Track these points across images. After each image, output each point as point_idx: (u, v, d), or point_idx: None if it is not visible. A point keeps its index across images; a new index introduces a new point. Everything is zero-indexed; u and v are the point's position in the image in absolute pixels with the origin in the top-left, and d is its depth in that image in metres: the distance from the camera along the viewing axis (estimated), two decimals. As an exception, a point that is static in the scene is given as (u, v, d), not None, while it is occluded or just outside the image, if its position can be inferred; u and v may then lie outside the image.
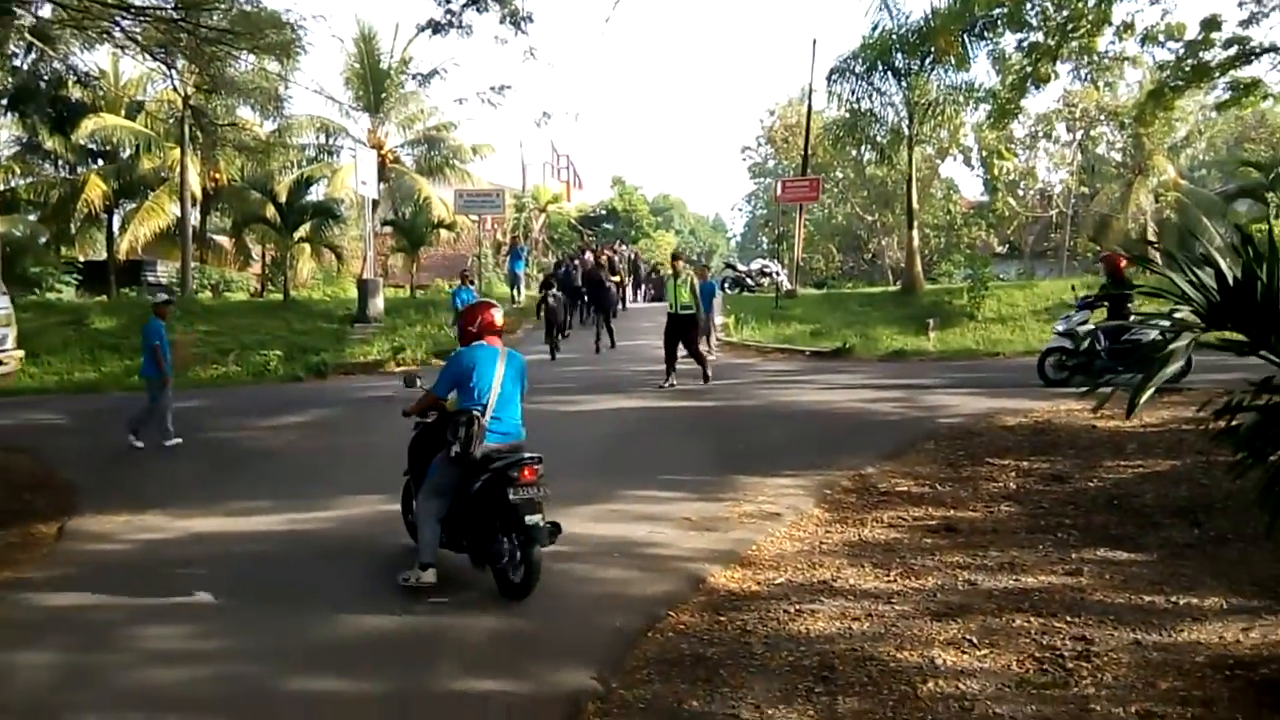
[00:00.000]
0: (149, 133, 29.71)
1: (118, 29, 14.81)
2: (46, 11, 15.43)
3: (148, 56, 16.55)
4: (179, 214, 28.85)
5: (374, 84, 32.78)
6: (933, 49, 22.57)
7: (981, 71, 47.15)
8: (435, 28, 12.61)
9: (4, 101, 25.41)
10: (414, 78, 30.06)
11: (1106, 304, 12.81)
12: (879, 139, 27.07)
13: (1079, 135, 39.02)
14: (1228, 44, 15.32)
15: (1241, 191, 31.54)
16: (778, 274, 30.19)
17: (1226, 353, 4.47)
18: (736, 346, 20.60)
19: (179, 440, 10.85)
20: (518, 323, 24.83)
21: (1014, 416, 10.52)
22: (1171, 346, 4.19)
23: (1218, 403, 4.36)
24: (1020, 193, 42.21)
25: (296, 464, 10.21)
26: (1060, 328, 13.08)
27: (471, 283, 20.29)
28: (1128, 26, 15.98)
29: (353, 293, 26.01)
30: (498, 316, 6.25)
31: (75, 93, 26.96)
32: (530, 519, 5.62)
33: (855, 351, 18.80)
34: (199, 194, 30.38)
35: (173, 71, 18.07)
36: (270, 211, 27.73)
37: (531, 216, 41.65)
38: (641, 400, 13.22)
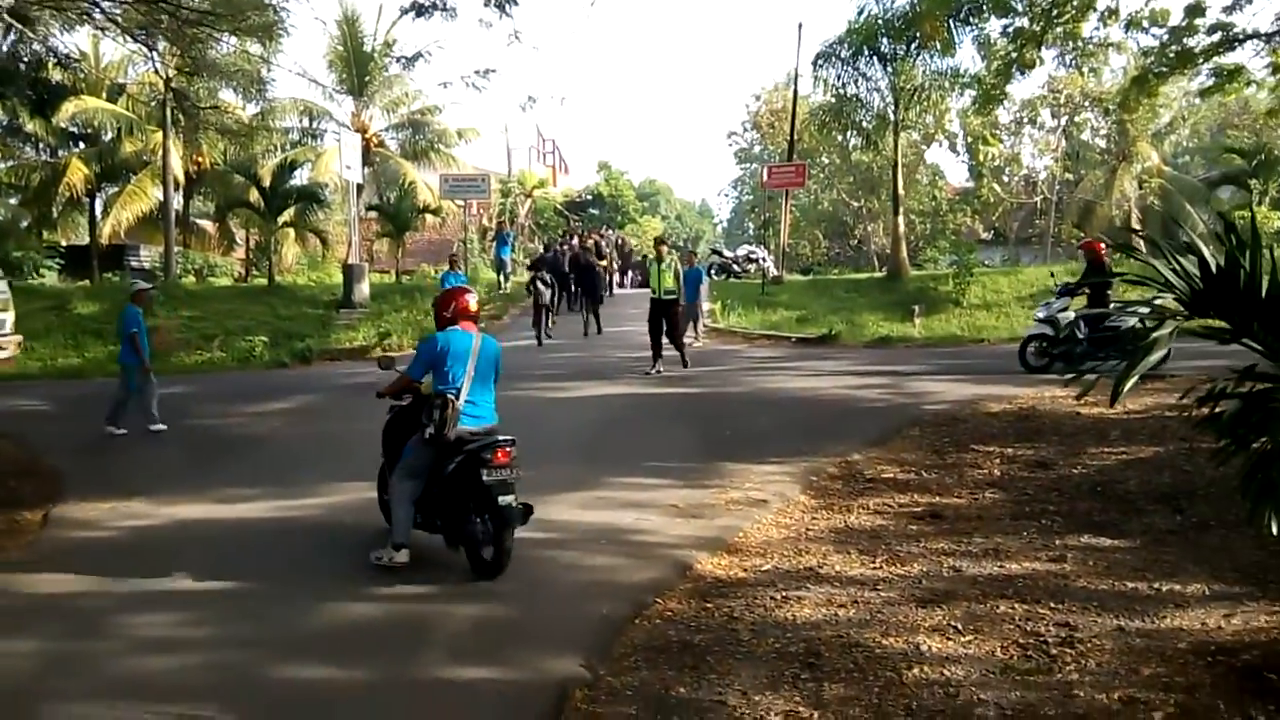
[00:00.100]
0: (131, 116, 29.41)
1: (98, 10, 14.64)
2: (26, -8, 15.24)
3: (128, 38, 16.37)
4: (161, 198, 28.60)
5: (358, 67, 32.50)
6: (918, 34, 22.55)
7: (967, 57, 47.29)
8: (419, 10, 12.51)
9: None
10: (398, 61, 29.98)
11: (1087, 291, 12.87)
12: (865, 124, 27.05)
13: (1063, 121, 39.15)
14: (1211, 30, 15.38)
15: (1224, 178, 31.72)
16: (764, 260, 30.20)
17: (1209, 340, 4.50)
18: (723, 333, 20.62)
19: (163, 427, 10.80)
20: (504, 308, 24.78)
21: (999, 403, 10.58)
22: (1155, 335, 4.21)
23: (1200, 390, 4.39)
24: (1005, 179, 42.33)
25: (282, 451, 10.18)
26: (1041, 314, 13.16)
27: (459, 268, 20.20)
28: (1112, 12, 16.03)
29: (338, 278, 25.89)
30: (472, 302, 6.28)
31: (55, 75, 26.70)
32: (503, 500, 5.72)
33: (841, 338, 18.85)
34: (182, 178, 30.11)
35: (154, 54, 17.86)
36: (254, 196, 27.53)
37: (517, 201, 41.49)
38: (628, 387, 13.23)
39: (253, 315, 21.83)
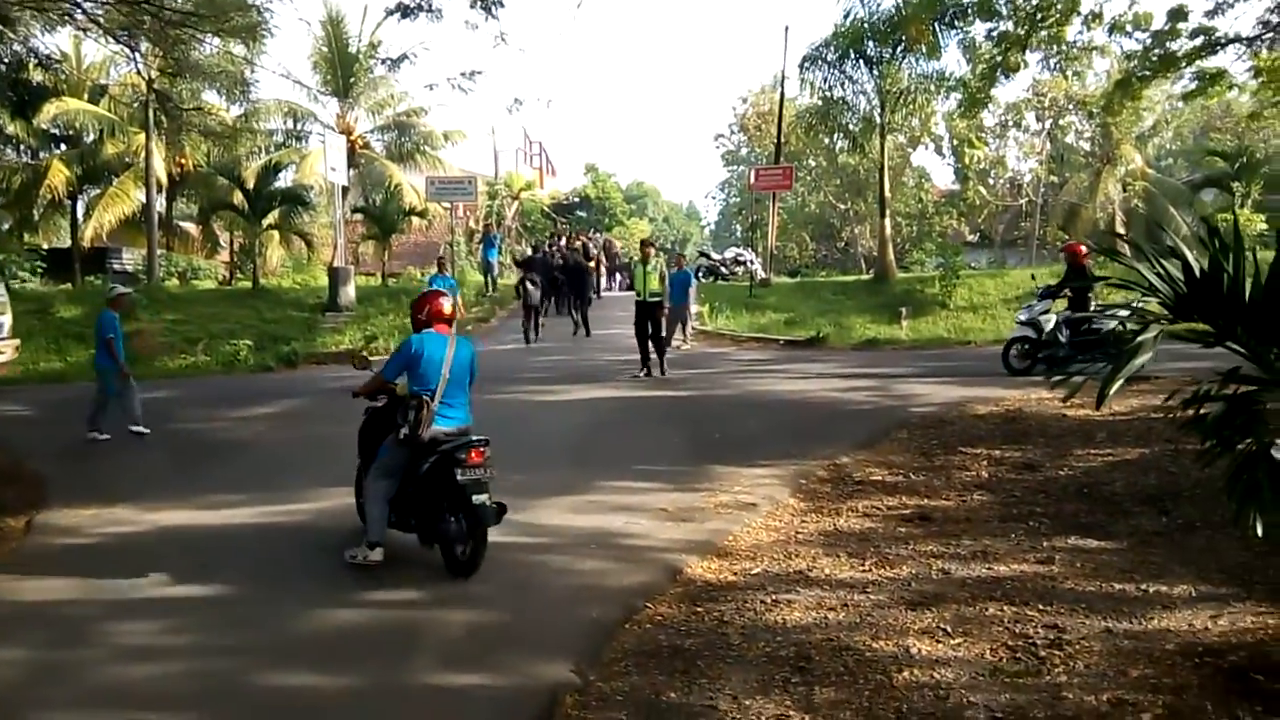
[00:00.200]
0: (113, 117, 29.21)
1: (79, 11, 14.57)
2: (6, -8, 15.12)
3: (111, 39, 16.30)
4: (144, 200, 28.41)
5: (342, 68, 32.36)
6: (904, 37, 22.70)
7: (952, 60, 47.55)
8: (404, 11, 12.49)
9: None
10: (383, 62, 29.69)
11: (1068, 294, 12.95)
12: (851, 127, 27.17)
13: (1048, 124, 39.36)
14: (1194, 34, 15.51)
15: (1207, 181, 31.94)
16: (752, 262, 30.24)
17: (1193, 342, 4.53)
18: (711, 335, 20.64)
19: (146, 430, 10.73)
20: (491, 311, 24.74)
21: (985, 405, 10.62)
22: (1140, 338, 4.22)
23: (1186, 392, 4.41)
24: (991, 181, 42.51)
25: (268, 455, 10.11)
26: (1023, 317, 13.22)
27: (446, 271, 20.15)
28: (1096, 16, 16.15)
29: (323, 281, 25.79)
30: (446, 305, 6.37)
31: (37, 76, 26.48)
32: (477, 499, 5.79)
33: (829, 340, 18.88)
34: (164, 180, 29.92)
35: (136, 55, 17.78)
36: (238, 198, 27.39)
37: (504, 204, 41.39)
38: (617, 390, 13.22)
39: (237, 319, 21.71)
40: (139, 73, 21.26)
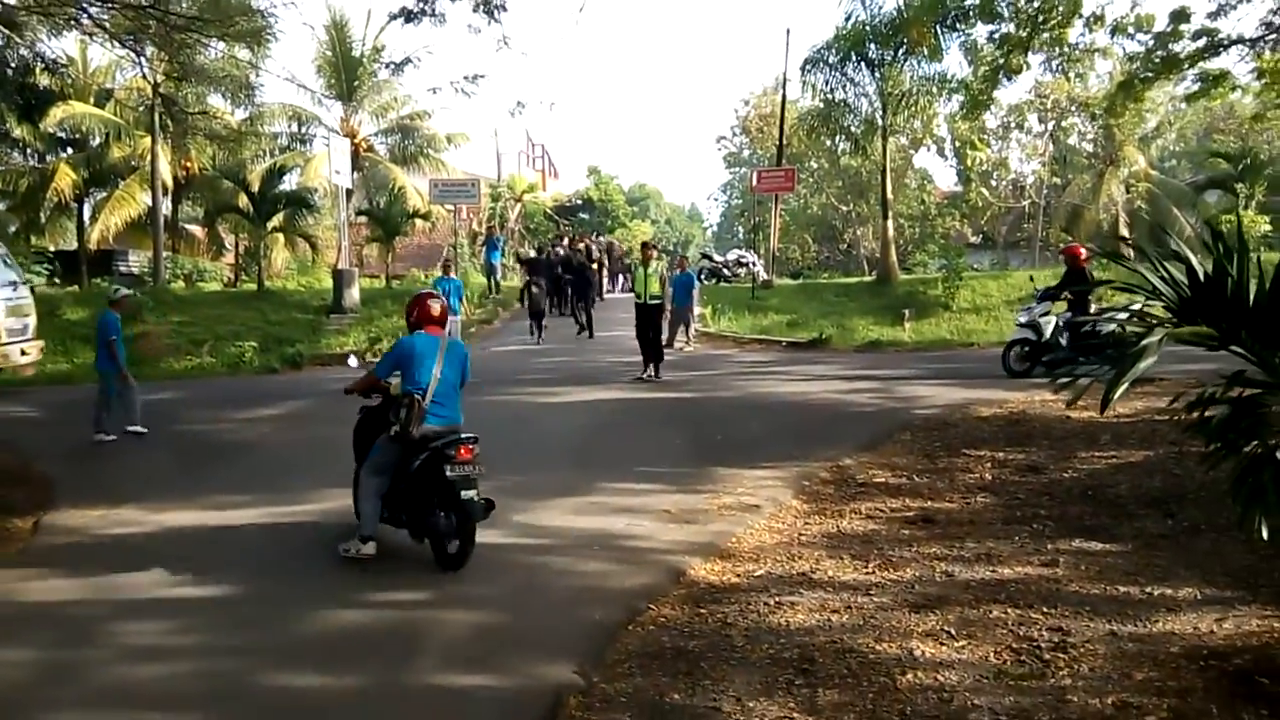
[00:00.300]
0: (119, 121, 29.26)
1: (85, 15, 14.56)
2: (12, -4, 15.18)
3: (116, 44, 16.29)
4: (150, 203, 28.48)
5: (346, 72, 32.39)
6: (906, 40, 22.72)
7: (954, 63, 47.53)
8: (407, 16, 12.47)
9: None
10: (387, 66, 29.79)
11: (1068, 296, 12.94)
12: (853, 129, 27.18)
13: (1050, 126, 39.28)
14: (1196, 36, 15.51)
15: (1211, 182, 31.90)
16: (754, 264, 30.26)
17: (1196, 345, 4.53)
18: (713, 337, 20.64)
19: (144, 429, 10.78)
20: (494, 313, 24.77)
21: (989, 407, 10.61)
22: (1144, 342, 4.22)
23: (1190, 395, 4.42)
24: (993, 183, 42.45)
25: (272, 456, 10.14)
26: (1022, 319, 13.21)
27: (452, 273, 20.17)
28: (1098, 18, 16.14)
29: (328, 283, 25.82)
30: (435, 308, 6.55)
31: (43, 80, 26.51)
32: (466, 494, 5.96)
33: (831, 342, 18.88)
34: (170, 183, 29.95)
35: (142, 59, 17.77)
36: (243, 201, 27.41)
37: (507, 206, 41.43)
38: (619, 391, 13.23)
39: (242, 320, 21.75)
40: (145, 77, 21.31)
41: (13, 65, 21.96)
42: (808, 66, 26.08)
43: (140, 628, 5.39)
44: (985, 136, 39.63)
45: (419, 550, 6.24)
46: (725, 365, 16.22)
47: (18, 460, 9.88)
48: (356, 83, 32.68)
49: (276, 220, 28.73)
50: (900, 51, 24.18)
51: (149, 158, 27.49)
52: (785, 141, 31.73)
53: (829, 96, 26.35)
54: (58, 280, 27.38)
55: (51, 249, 31.35)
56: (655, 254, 15.28)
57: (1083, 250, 13.65)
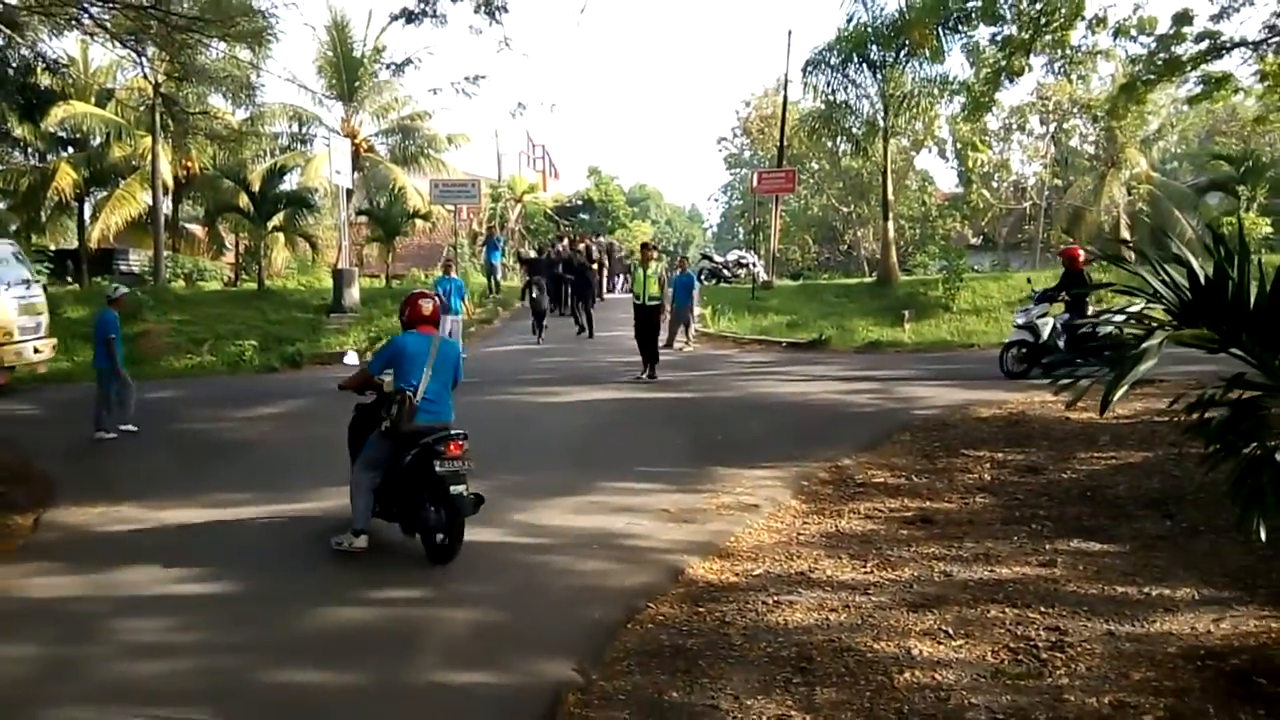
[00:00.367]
0: (119, 120, 29.27)
1: (86, 15, 14.58)
2: (13, -4, 15.19)
3: (117, 44, 16.30)
4: (151, 202, 28.49)
5: (347, 72, 32.39)
6: (907, 41, 22.73)
7: (956, 64, 47.51)
8: (409, 17, 12.48)
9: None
10: (387, 67, 29.74)
11: (1065, 298, 12.95)
12: (854, 131, 27.15)
13: (1052, 128, 39.28)
14: (1199, 38, 15.54)
15: (1212, 184, 31.91)
16: (754, 265, 30.24)
17: (1196, 347, 4.54)
18: (713, 337, 20.64)
19: (135, 429, 10.83)
20: (494, 312, 24.77)
21: (988, 408, 10.62)
22: (1145, 345, 4.23)
23: (1190, 397, 4.43)
24: (994, 185, 42.46)
25: (272, 455, 10.16)
26: (1019, 321, 13.22)
27: (453, 273, 20.18)
28: (1100, 20, 16.16)
29: (328, 282, 25.83)
30: (426, 308, 6.68)
31: (44, 80, 26.51)
32: (455, 489, 6.07)
33: (831, 343, 18.87)
34: (171, 182, 29.97)
35: (143, 59, 17.79)
36: (243, 200, 27.43)
37: (508, 206, 41.45)
38: (619, 391, 13.24)
39: (242, 320, 21.76)
40: (146, 77, 21.33)
41: (14, 65, 21.95)
42: (809, 68, 26.07)
43: (140, 624, 5.41)
44: (987, 138, 39.64)
45: (418, 548, 6.27)
46: (725, 365, 16.23)
47: (18, 458, 9.90)
48: (357, 83, 32.69)
49: (277, 220, 28.75)
50: (902, 53, 24.17)
51: (150, 157, 27.49)
52: (786, 143, 31.73)
53: (830, 98, 26.34)
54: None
55: (52, 248, 31.37)
56: (655, 255, 15.25)
57: (1080, 252, 13.65)
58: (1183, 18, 15.34)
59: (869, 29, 24.50)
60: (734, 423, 10.85)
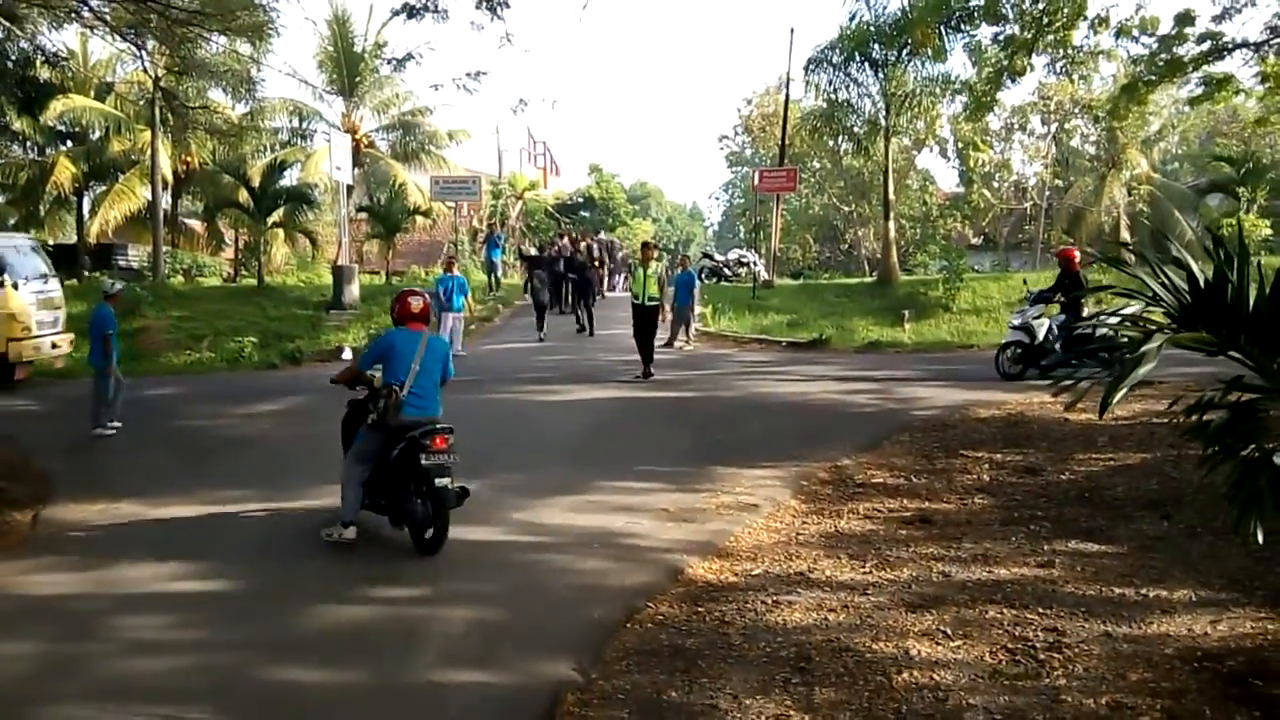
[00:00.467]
0: (119, 114, 29.25)
1: (86, 8, 14.57)
2: (14, -11, 15.17)
3: (117, 37, 16.30)
4: (150, 197, 28.49)
5: (348, 68, 32.39)
6: (910, 41, 22.73)
7: (958, 64, 47.49)
8: (410, 12, 12.45)
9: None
10: (388, 62, 29.76)
11: (1061, 299, 12.95)
12: (856, 130, 27.16)
13: (1053, 128, 39.28)
14: (1201, 39, 15.56)
15: (1213, 186, 31.90)
16: (755, 264, 30.22)
17: (1195, 349, 4.54)
18: (714, 337, 20.63)
19: (119, 424, 10.82)
20: (495, 310, 24.76)
21: (987, 409, 10.63)
22: (1144, 348, 4.23)
23: (1189, 399, 4.43)
24: (995, 185, 42.44)
25: (273, 452, 10.15)
26: (1015, 322, 13.23)
27: (454, 270, 20.17)
28: (1102, 21, 16.17)
29: (327, 279, 25.84)
30: (415, 305, 6.83)
31: (43, 73, 26.50)
32: (440, 482, 6.23)
33: (832, 343, 18.87)
34: (170, 177, 29.98)
35: (143, 53, 17.77)
36: (243, 196, 27.43)
37: (508, 203, 41.42)
38: (619, 390, 13.24)
39: (242, 316, 21.76)
40: (145, 70, 21.35)
41: (13, 58, 21.93)
42: (811, 66, 26.07)
43: (139, 621, 5.41)
44: (988, 138, 39.62)
45: (411, 543, 6.35)
46: (725, 365, 16.23)
47: (17, 454, 9.88)
48: (358, 78, 32.69)
49: (276, 216, 28.74)
50: (904, 52, 24.17)
51: (149, 152, 27.51)
52: (788, 141, 31.72)
53: (832, 96, 26.33)
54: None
55: (51, 242, 31.30)
56: (655, 254, 15.21)
57: (1076, 253, 13.66)
58: (1185, 18, 15.35)
59: (871, 28, 24.50)
60: (734, 422, 10.85)
